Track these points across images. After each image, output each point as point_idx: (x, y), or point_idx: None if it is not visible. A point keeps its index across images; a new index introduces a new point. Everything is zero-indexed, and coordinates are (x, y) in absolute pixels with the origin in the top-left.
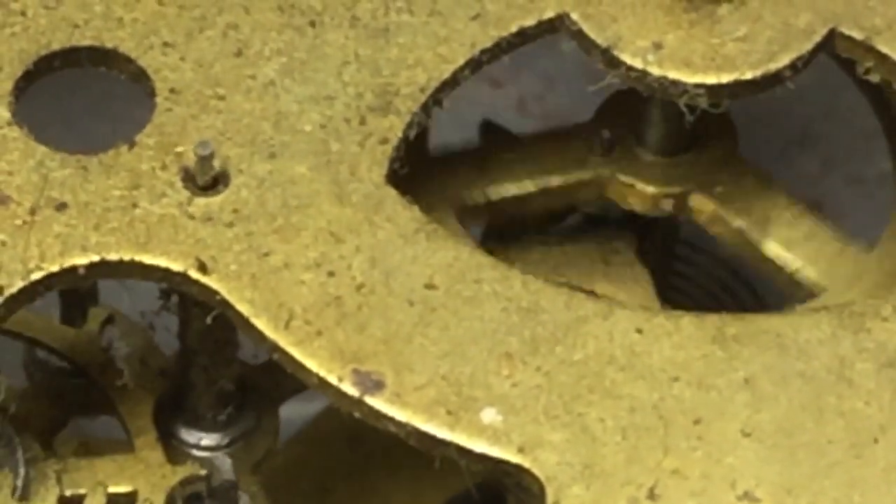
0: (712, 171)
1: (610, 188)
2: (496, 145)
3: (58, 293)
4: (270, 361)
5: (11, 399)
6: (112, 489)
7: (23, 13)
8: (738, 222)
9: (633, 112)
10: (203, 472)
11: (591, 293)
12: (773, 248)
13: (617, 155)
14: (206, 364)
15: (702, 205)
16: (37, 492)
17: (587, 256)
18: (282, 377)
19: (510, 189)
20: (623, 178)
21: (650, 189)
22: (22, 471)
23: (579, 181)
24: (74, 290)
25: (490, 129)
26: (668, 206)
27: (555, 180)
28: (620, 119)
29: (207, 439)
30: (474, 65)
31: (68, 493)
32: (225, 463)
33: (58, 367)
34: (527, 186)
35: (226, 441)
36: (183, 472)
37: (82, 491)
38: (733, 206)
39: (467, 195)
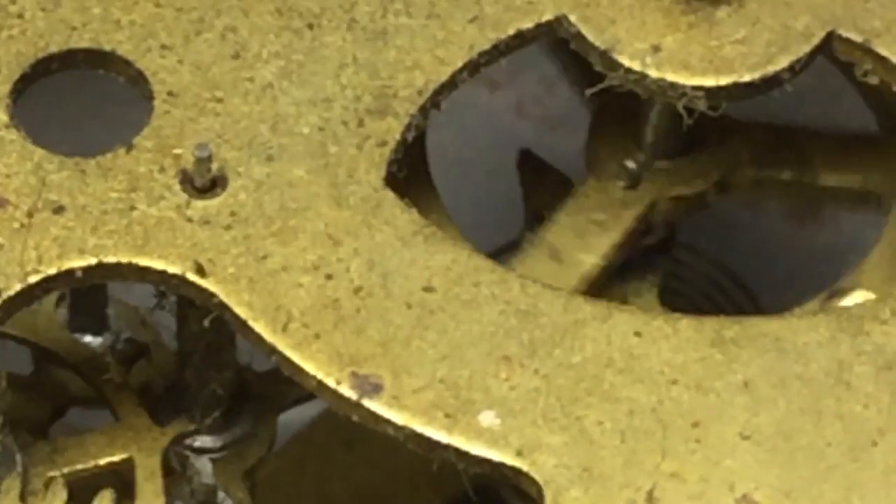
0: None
1: (659, 208)
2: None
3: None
4: (274, 369)
5: (8, 397)
6: (106, 460)
7: (20, 16)
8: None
9: (631, 115)
10: (192, 426)
11: None
12: None
13: (647, 176)
14: (199, 366)
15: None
16: (44, 497)
17: (608, 295)
18: (284, 386)
19: (595, 262)
20: (674, 191)
21: (698, 186)
22: (20, 459)
23: (636, 220)
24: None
25: (528, 159)
26: (713, 195)
27: (616, 234)
28: (618, 123)
29: (200, 441)
30: (472, 67)
31: (65, 470)
32: (206, 466)
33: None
34: (607, 254)
35: (219, 444)
36: (173, 431)
37: (79, 467)
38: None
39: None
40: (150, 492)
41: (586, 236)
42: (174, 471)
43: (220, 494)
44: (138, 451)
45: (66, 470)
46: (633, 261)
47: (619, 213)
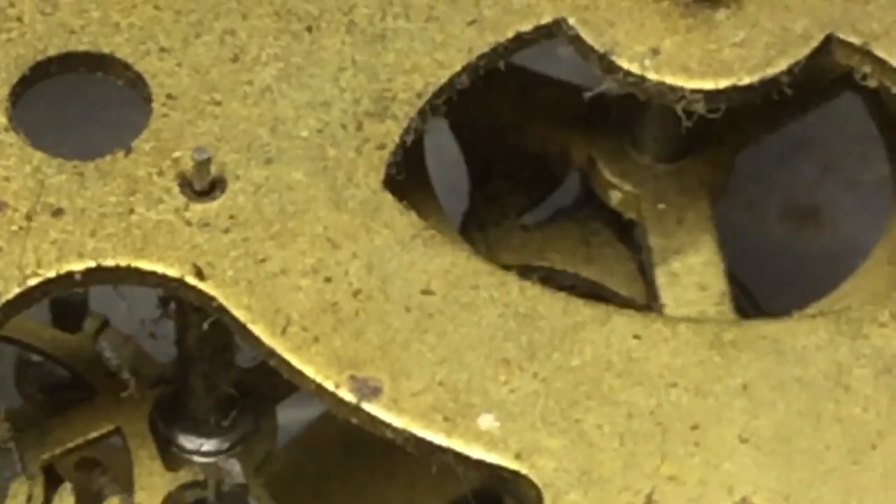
0: (675, 188)
1: (575, 153)
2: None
3: (49, 304)
4: (264, 363)
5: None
6: (94, 434)
7: (19, 19)
8: (653, 241)
9: (630, 117)
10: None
11: (575, 275)
12: (662, 279)
13: (607, 142)
14: (206, 370)
15: (642, 211)
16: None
17: (568, 239)
18: (277, 378)
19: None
20: (592, 152)
21: (606, 175)
22: (20, 469)
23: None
24: (65, 300)
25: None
26: (615, 199)
27: (540, 128)
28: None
29: (208, 445)
30: (471, 70)
31: (57, 451)
32: (234, 466)
33: (51, 382)
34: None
35: (226, 445)
36: (153, 395)
37: (69, 445)
38: (660, 226)
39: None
40: (145, 456)
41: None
42: (161, 436)
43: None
44: (125, 420)
45: (57, 450)
46: (586, 205)
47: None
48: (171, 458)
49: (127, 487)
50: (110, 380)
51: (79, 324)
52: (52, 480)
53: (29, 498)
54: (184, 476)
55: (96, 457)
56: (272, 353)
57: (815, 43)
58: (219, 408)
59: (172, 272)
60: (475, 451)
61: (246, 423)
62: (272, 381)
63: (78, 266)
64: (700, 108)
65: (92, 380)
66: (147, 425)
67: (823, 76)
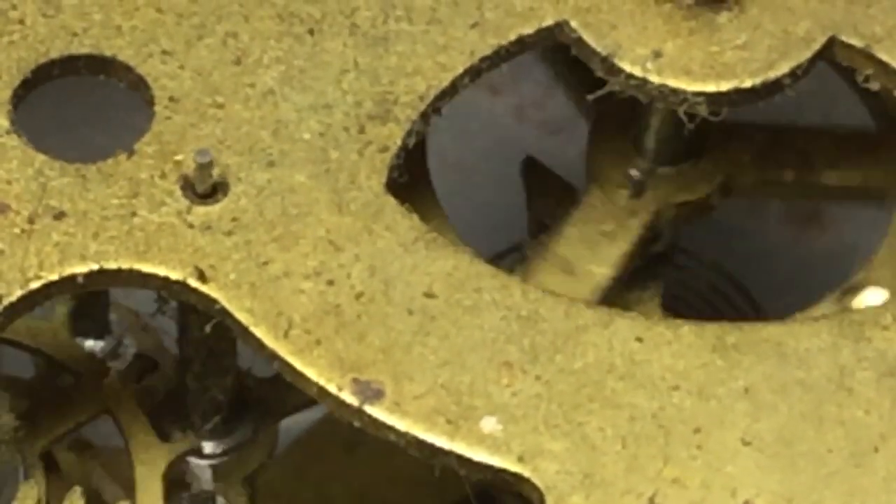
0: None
1: (665, 215)
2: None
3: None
4: (275, 375)
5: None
6: (84, 417)
7: (21, 21)
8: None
9: (632, 122)
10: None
11: None
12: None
13: (650, 183)
14: (199, 372)
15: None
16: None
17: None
18: (286, 392)
19: (606, 272)
20: (679, 198)
21: (702, 191)
22: (22, 473)
23: (644, 228)
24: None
25: (531, 167)
26: (717, 198)
27: (625, 243)
28: (619, 130)
29: (204, 447)
30: (473, 73)
31: (51, 437)
32: (205, 472)
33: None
34: (618, 265)
35: (220, 450)
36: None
37: (62, 430)
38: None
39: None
40: (139, 431)
41: (596, 248)
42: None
43: (220, 500)
44: (112, 400)
45: (51, 437)
46: (634, 270)
47: (626, 223)
48: None
49: (129, 493)
50: (92, 362)
51: (100, 318)
52: (52, 470)
53: (38, 502)
54: (181, 446)
55: (90, 441)
56: (274, 355)
57: (817, 46)
58: (208, 411)
59: (175, 275)
60: (478, 454)
61: (244, 432)
62: (281, 395)
63: (80, 269)
64: (702, 110)
65: (73, 365)
66: (134, 401)
67: None
